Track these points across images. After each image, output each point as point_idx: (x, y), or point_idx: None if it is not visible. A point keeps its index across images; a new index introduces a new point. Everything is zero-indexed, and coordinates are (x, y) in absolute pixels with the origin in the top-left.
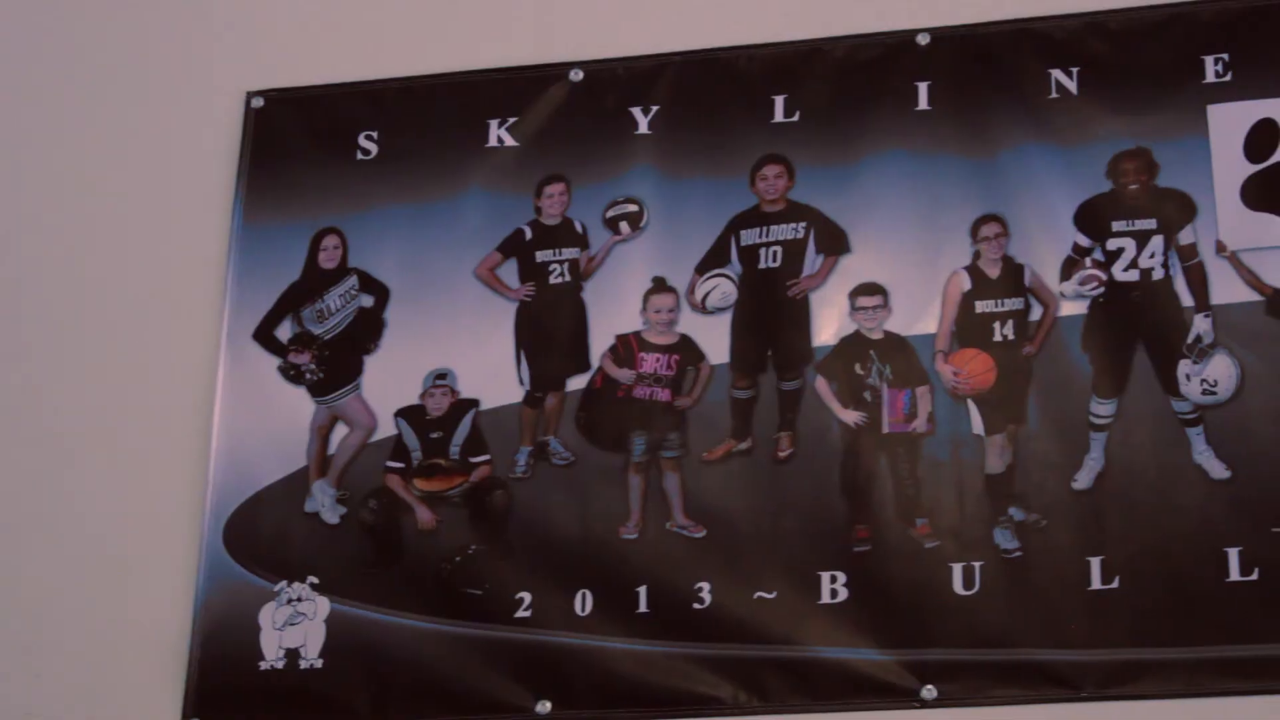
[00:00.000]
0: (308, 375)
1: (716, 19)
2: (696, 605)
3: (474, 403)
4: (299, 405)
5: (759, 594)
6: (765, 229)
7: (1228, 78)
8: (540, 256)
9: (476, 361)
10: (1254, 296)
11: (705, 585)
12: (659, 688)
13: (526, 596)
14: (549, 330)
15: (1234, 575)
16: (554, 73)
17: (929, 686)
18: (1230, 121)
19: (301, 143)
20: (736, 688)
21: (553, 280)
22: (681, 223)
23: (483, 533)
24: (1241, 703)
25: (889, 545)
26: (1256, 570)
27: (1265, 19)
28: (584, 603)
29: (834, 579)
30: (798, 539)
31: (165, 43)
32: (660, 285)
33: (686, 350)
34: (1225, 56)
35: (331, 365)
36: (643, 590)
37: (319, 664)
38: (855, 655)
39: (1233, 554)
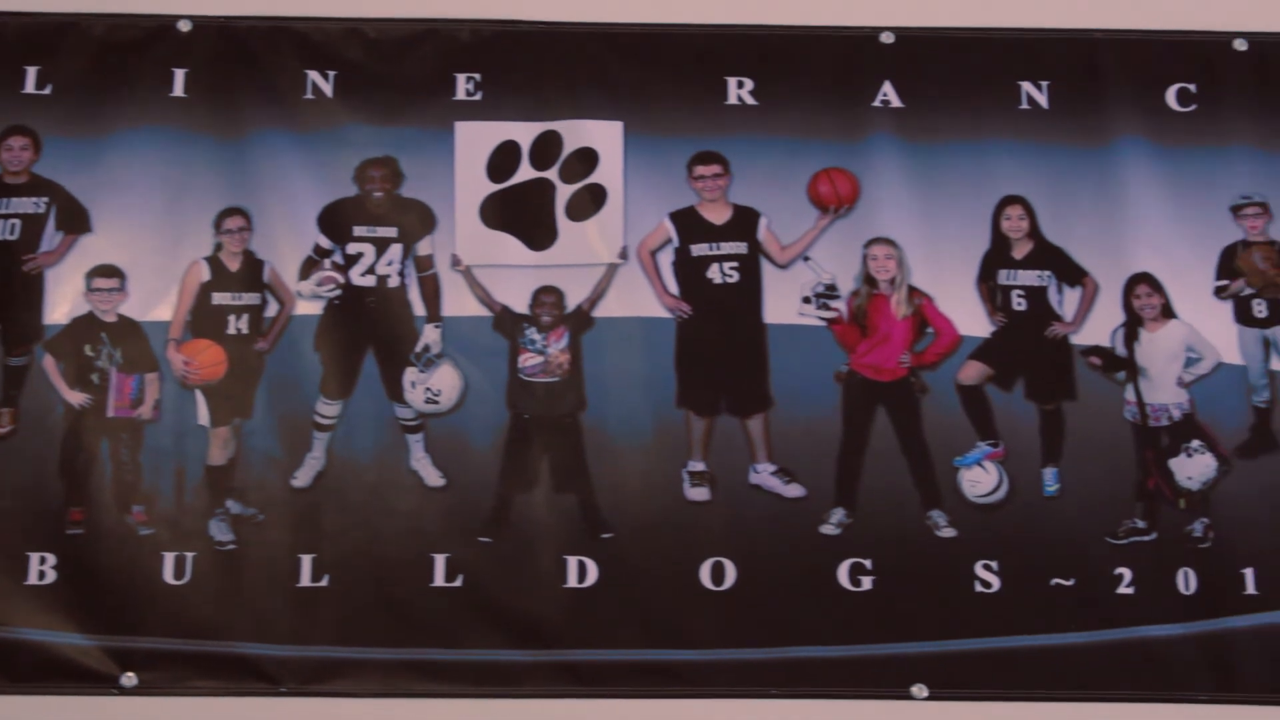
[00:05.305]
0: None
1: None
2: None
3: None
4: None
5: None
6: (5, 201)
7: (478, 97)
8: None
9: None
10: (484, 312)
11: None
12: None
13: None
14: None
15: (439, 581)
16: None
17: (130, 674)
18: (476, 139)
19: None
20: None
21: None
22: None
23: None
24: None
25: (103, 530)
26: (461, 577)
27: (517, 44)
28: None
29: (43, 560)
30: (10, 518)
31: None
32: None
33: None
34: (477, 76)
35: None
36: None
37: None
38: (58, 639)
39: (440, 560)
